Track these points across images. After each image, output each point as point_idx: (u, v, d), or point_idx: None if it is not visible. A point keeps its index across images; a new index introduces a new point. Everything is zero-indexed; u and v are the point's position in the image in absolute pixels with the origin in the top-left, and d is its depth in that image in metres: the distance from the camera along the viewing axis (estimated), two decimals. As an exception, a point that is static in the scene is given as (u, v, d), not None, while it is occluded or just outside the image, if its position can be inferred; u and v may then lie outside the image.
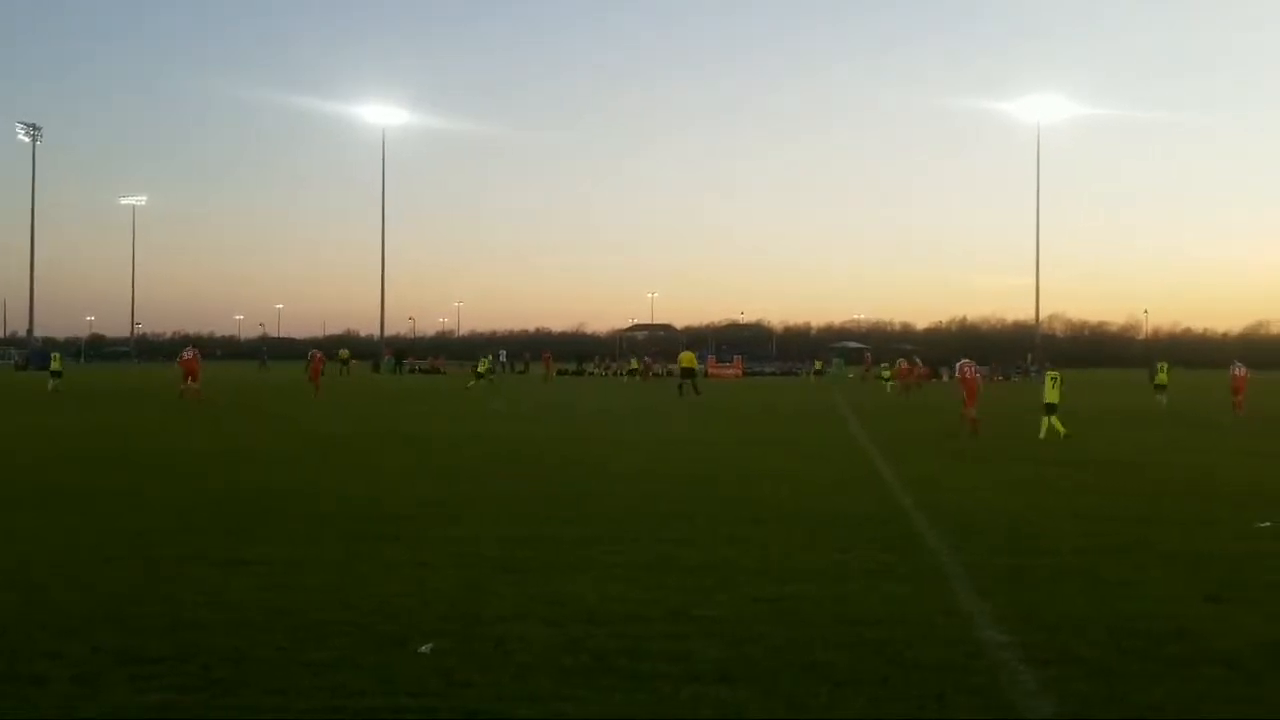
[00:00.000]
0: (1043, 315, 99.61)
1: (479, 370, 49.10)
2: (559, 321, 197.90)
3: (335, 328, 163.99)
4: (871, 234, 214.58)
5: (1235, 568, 8.66)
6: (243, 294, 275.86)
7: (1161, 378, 37.86)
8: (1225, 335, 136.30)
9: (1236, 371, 34.78)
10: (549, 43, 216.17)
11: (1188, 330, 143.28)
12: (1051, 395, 22.65)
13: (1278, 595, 7.69)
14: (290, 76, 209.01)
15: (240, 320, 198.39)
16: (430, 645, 6.16)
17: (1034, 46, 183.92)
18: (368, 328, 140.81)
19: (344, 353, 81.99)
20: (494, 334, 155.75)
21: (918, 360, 60.49)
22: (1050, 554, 9.24)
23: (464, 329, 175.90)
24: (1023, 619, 6.89)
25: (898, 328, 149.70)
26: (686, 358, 45.80)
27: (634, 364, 59.17)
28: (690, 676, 5.69)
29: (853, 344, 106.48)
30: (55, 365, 44.98)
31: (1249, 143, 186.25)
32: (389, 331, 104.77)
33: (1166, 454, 19.16)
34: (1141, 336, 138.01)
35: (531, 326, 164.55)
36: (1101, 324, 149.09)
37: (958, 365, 26.55)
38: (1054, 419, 22.25)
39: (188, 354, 36.99)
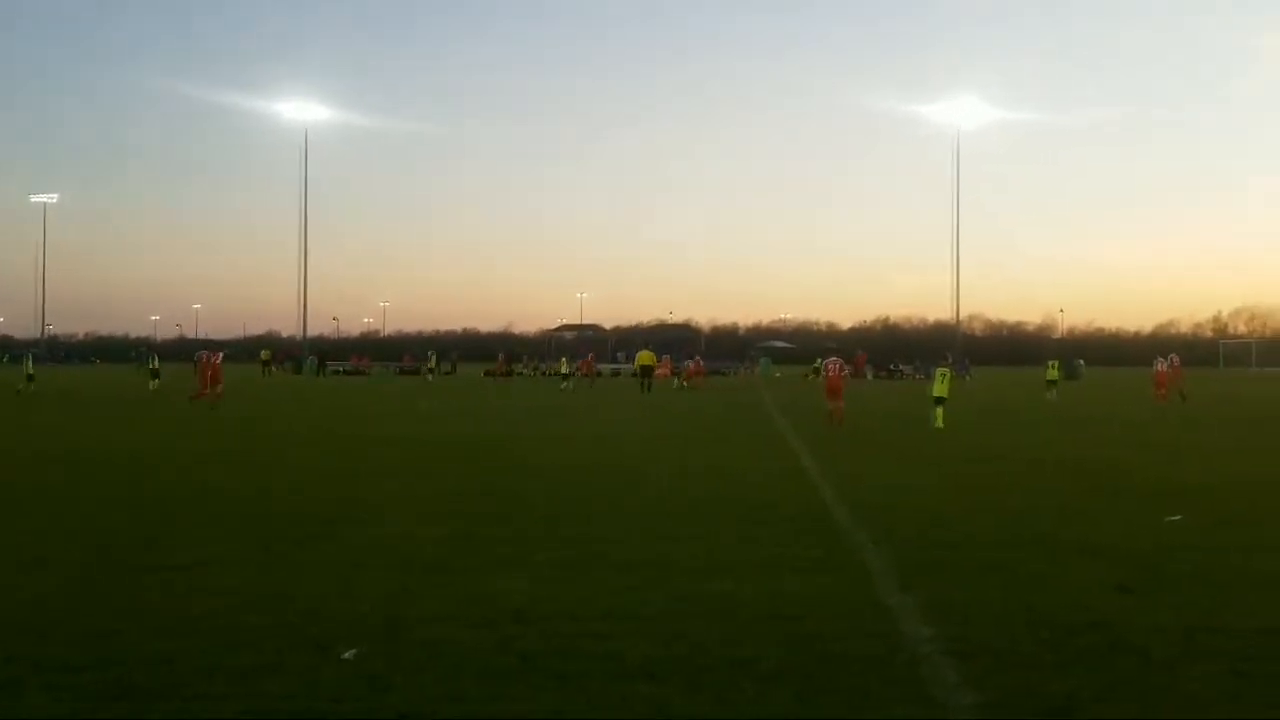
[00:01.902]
0: (963, 315, 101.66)
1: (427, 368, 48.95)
2: (487, 321, 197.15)
3: (256, 328, 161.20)
4: (798, 234, 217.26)
5: (1146, 560, 8.92)
6: (159, 294, 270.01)
7: (1051, 374, 40.86)
8: (1137, 334, 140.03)
9: (1160, 366, 38.68)
10: (476, 41, 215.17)
11: (1101, 329, 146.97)
12: (940, 389, 24.55)
13: (1186, 586, 7.92)
14: (208, 71, 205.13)
15: (156, 321, 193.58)
16: (354, 651, 6.09)
17: (953, 50, 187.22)
18: (290, 328, 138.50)
19: (265, 353, 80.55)
20: (420, 334, 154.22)
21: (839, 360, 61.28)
22: (970, 548, 9.42)
23: (389, 329, 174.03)
24: (943, 612, 7.02)
25: (823, 327, 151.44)
26: (645, 356, 47.85)
27: (563, 366, 58.86)
28: (620, 675, 5.71)
29: (779, 343, 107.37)
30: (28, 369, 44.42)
31: (1158, 146, 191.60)
32: (312, 332, 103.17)
33: (1080, 448, 19.63)
34: (1057, 335, 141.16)
35: (459, 326, 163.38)
36: (1019, 323, 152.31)
37: (824, 363, 29.19)
38: (938, 412, 24.05)
39: (210, 356, 35.57)
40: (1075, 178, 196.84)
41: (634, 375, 47.24)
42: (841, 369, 27.26)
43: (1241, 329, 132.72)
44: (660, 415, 30.74)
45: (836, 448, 19.49)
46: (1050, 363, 42.91)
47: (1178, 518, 11.08)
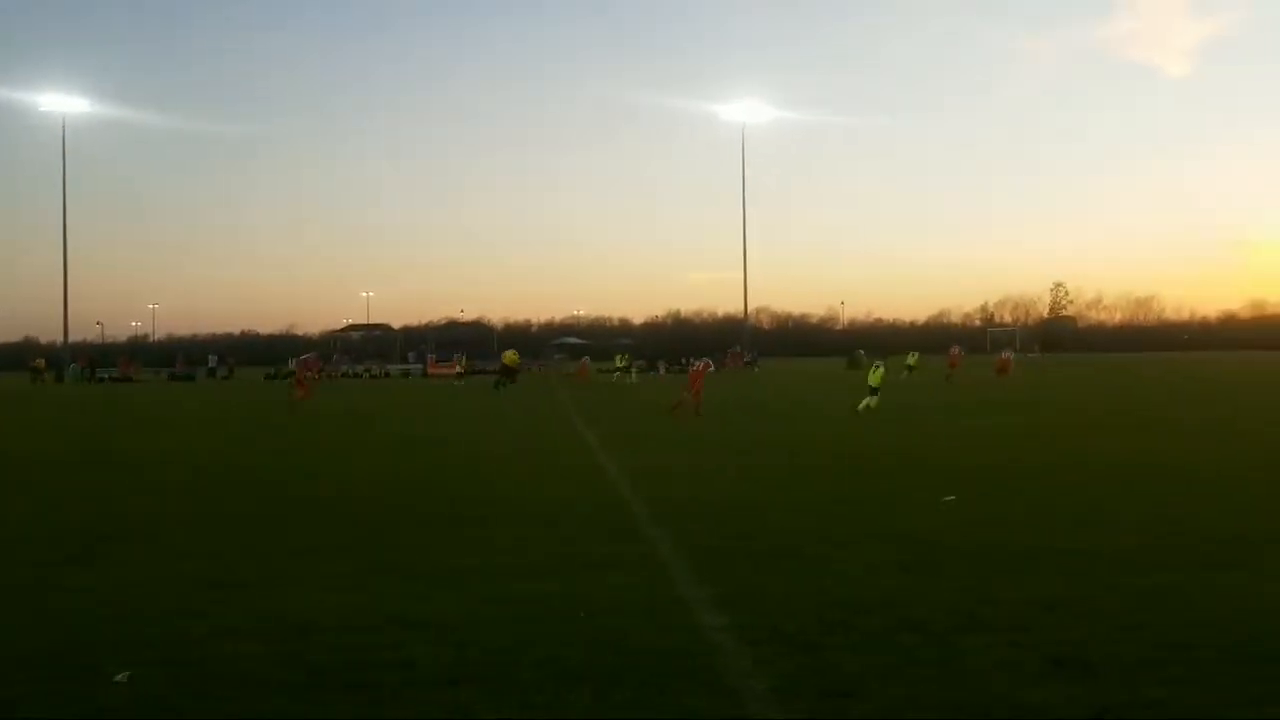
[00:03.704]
0: (751, 308, 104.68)
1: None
2: (267, 323, 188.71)
3: (12, 335, 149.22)
4: (590, 231, 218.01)
5: (925, 541, 9.37)
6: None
7: (910, 360, 49.47)
8: (912, 324, 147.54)
9: (954, 350, 52.33)
10: (247, 34, 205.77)
11: (880, 320, 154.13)
12: (874, 379, 27.21)
13: (965, 565, 8.35)
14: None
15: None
16: (127, 673, 5.71)
17: (740, 49, 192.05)
18: (50, 334, 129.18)
19: (39, 362, 75.39)
20: (195, 337, 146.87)
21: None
22: (761, 537, 9.68)
23: (160, 333, 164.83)
24: (736, 601, 7.17)
25: (616, 323, 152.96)
26: (509, 356, 49.73)
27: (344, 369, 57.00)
28: (415, 682, 5.57)
29: (573, 340, 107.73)
30: None
31: (932, 145, 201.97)
32: (75, 337, 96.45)
33: (865, 435, 20.50)
34: (840, 327, 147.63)
35: (237, 329, 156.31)
36: (804, 315, 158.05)
37: (696, 363, 35.58)
38: (873, 400, 26.49)
39: (309, 359, 32.91)
40: (854, 175, 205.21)
41: (497, 374, 48.84)
42: (707, 367, 33.78)
43: (1006, 318, 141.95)
44: (456, 419, 30.33)
45: (633, 443, 19.67)
46: (856, 353, 48.71)
47: (952, 498, 11.70)
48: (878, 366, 28.37)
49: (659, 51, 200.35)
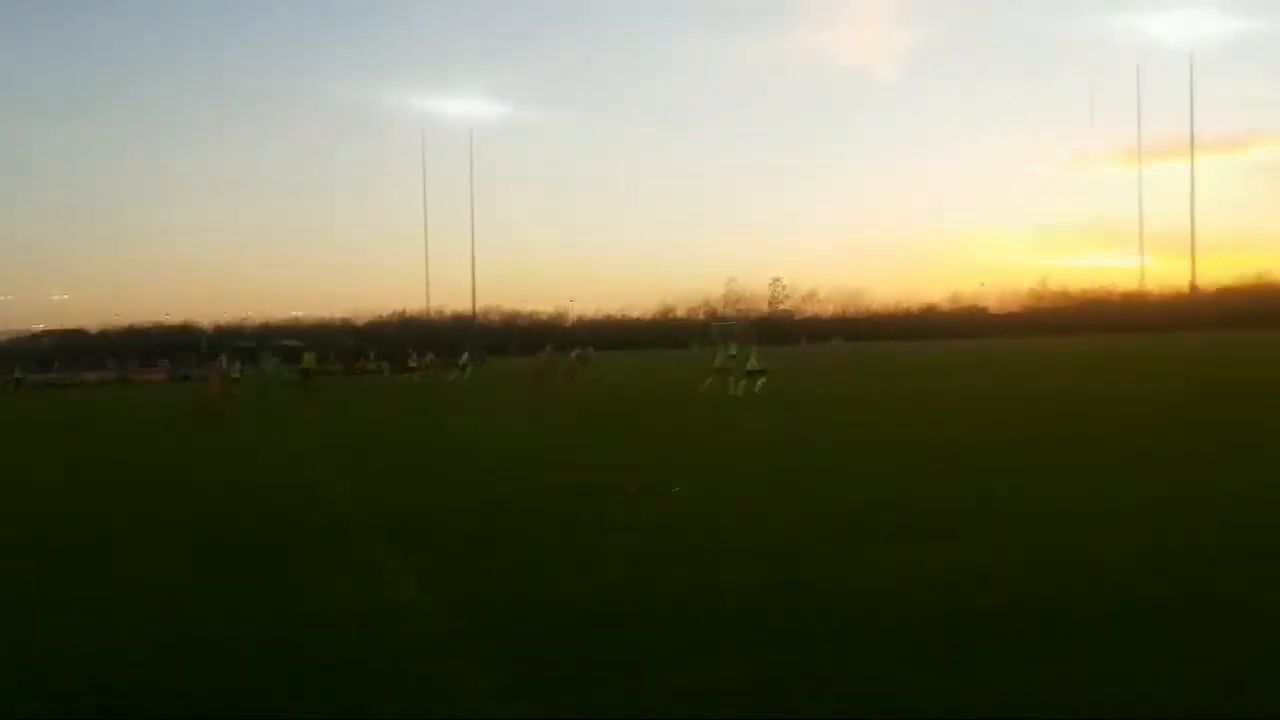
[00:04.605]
0: (480, 306, 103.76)
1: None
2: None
3: None
4: (311, 231, 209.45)
5: (657, 531, 9.17)
6: None
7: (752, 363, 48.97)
8: (639, 319, 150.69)
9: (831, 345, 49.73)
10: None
11: (608, 316, 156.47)
12: (754, 363, 30.16)
13: (691, 552, 8.15)
14: None
15: None
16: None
17: (463, 47, 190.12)
18: None
19: None
20: None
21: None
22: (439, 536, 9.19)
23: None
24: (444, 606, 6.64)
25: (339, 323, 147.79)
26: (307, 359, 51.14)
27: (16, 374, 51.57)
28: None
29: (292, 342, 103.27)
30: None
31: (656, 143, 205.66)
32: None
33: (574, 427, 20.38)
34: (569, 324, 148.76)
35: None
36: (533, 312, 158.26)
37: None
38: (754, 380, 29.42)
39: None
40: (581, 173, 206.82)
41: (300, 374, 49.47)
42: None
43: (730, 311, 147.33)
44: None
45: (309, 450, 18.72)
46: (692, 339, 46.28)
47: (678, 489, 11.55)
48: (751, 351, 31.30)
49: (384, 48, 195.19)
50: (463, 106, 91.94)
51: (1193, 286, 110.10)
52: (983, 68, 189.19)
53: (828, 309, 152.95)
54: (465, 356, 54.27)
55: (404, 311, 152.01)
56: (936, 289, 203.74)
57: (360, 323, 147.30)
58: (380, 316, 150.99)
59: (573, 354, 62.56)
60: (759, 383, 29.33)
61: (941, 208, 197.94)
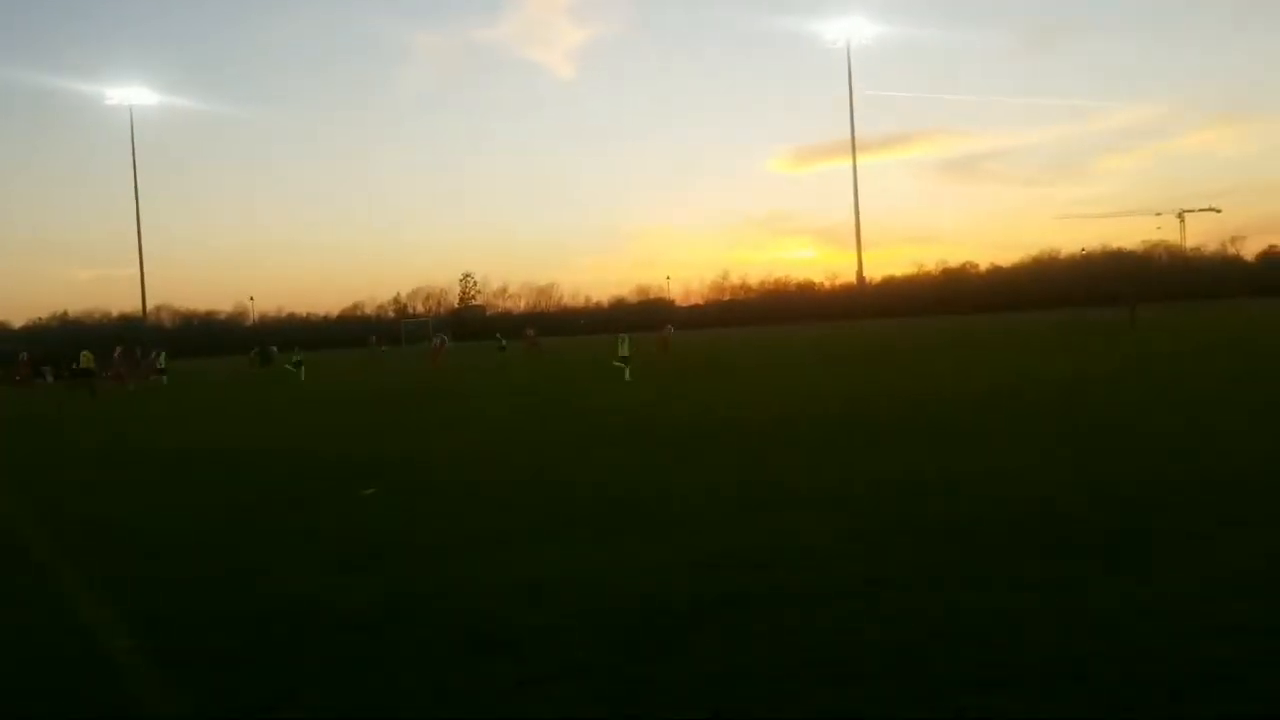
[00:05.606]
0: (150, 306, 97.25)
1: None
2: None
3: None
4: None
5: (361, 536, 9.37)
6: None
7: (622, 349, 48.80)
8: (326, 317, 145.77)
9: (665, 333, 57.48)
10: None
11: (293, 314, 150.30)
12: (623, 350, 32.58)
13: (398, 559, 8.37)
14: None
15: None
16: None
17: (125, 34, 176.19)
18: None
19: None
20: None
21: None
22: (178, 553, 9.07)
23: None
24: (161, 622, 6.69)
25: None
26: (86, 357, 48.94)
27: None
28: None
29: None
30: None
31: (331, 137, 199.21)
32: None
33: (305, 437, 19.96)
34: (250, 322, 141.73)
35: None
36: (211, 312, 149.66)
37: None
38: (627, 367, 31.73)
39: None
40: (256, 168, 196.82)
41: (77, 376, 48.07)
42: None
43: (420, 308, 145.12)
44: None
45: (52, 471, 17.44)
46: (621, 337, 39.98)
47: (371, 491, 11.72)
48: (625, 340, 33.57)
49: (33, 28, 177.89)
50: (123, 93, 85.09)
51: (860, 278, 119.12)
52: (662, 64, 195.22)
53: (519, 304, 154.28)
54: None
55: (64, 313, 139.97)
56: (626, 284, 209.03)
57: (18, 325, 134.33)
58: (40, 319, 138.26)
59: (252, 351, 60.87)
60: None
61: (629, 204, 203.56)
